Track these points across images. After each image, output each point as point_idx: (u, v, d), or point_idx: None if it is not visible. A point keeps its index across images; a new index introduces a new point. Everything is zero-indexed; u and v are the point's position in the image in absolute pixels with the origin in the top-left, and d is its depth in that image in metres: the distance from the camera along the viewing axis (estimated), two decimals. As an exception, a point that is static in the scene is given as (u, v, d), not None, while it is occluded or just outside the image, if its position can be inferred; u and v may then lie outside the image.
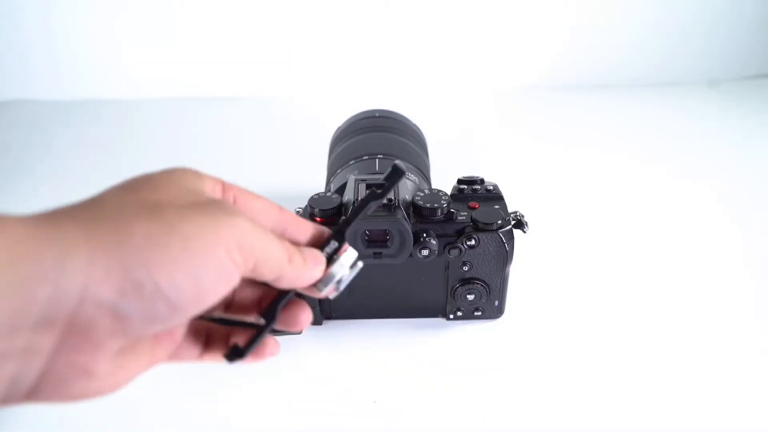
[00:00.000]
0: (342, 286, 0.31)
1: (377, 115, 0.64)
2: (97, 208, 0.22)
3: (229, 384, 0.46)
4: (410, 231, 0.43)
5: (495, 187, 0.50)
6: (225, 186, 0.28)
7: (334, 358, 0.48)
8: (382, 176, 0.46)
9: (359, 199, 0.43)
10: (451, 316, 0.51)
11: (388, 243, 0.44)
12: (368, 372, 0.47)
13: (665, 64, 1.05)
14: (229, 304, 0.30)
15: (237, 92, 0.97)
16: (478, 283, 0.48)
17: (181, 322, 0.24)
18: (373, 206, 0.33)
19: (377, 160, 0.54)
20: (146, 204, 0.23)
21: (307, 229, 0.31)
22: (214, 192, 0.27)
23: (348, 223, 0.33)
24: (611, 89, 1.02)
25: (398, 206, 0.44)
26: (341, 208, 0.46)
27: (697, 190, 0.72)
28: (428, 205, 0.45)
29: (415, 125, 0.66)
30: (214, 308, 0.29)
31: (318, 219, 0.46)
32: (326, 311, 0.51)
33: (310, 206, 0.46)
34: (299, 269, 0.28)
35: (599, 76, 1.04)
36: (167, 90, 0.97)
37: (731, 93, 1.00)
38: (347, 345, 0.49)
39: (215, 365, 0.48)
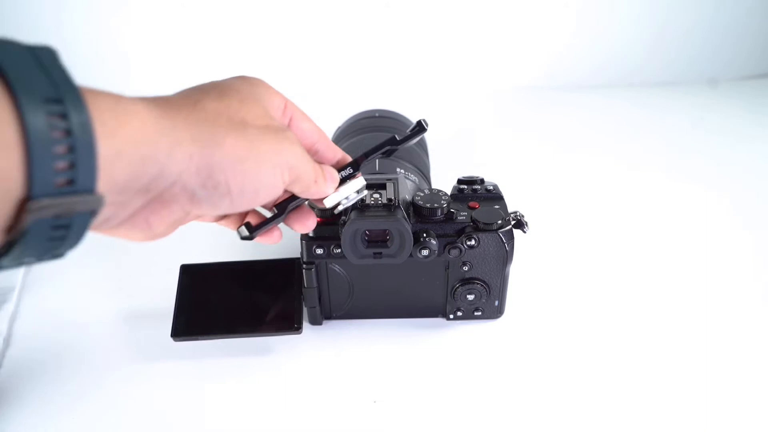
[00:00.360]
0: (347, 204, 0.39)
1: (377, 115, 0.64)
2: (199, 114, 0.28)
3: (229, 383, 0.46)
4: (410, 231, 0.43)
5: (495, 187, 0.50)
6: (287, 106, 0.35)
7: (334, 358, 0.48)
8: (383, 176, 0.46)
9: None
10: (451, 316, 0.51)
11: (388, 243, 0.44)
12: (368, 372, 0.47)
13: (665, 64, 1.05)
14: None
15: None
16: (478, 283, 0.48)
17: (233, 212, 0.32)
18: (389, 149, 0.40)
19: (377, 160, 0.54)
20: (235, 120, 0.29)
21: (336, 154, 0.39)
22: (279, 111, 0.34)
23: (366, 156, 0.39)
24: (611, 89, 1.02)
25: (398, 206, 0.44)
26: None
27: (696, 190, 0.72)
28: (428, 205, 0.45)
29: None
30: None
31: (318, 219, 0.46)
32: (326, 311, 0.51)
33: (310, 206, 0.46)
34: (319, 187, 0.35)
35: (599, 76, 1.04)
36: (167, 90, 0.96)
37: (731, 93, 1.00)
38: (347, 345, 0.49)
39: (215, 365, 0.48)
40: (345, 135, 0.61)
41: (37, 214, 0.21)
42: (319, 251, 0.46)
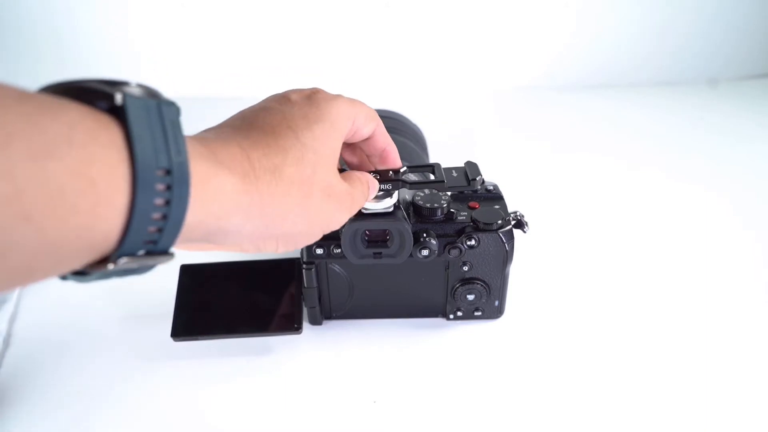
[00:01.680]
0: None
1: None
2: (274, 188, 0.30)
3: (229, 383, 0.46)
4: (410, 231, 0.43)
5: (495, 187, 0.50)
6: (354, 122, 0.37)
7: (334, 358, 0.48)
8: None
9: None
10: (451, 316, 0.51)
11: (388, 243, 0.44)
12: (368, 372, 0.47)
13: (665, 64, 1.05)
14: None
15: (238, 92, 0.97)
16: (478, 283, 0.48)
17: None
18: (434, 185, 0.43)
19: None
20: (303, 189, 0.32)
21: (396, 165, 0.42)
22: (347, 133, 0.37)
23: (404, 184, 0.41)
24: (611, 89, 1.02)
25: (398, 206, 0.44)
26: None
27: (696, 190, 0.72)
28: (428, 205, 0.45)
29: (415, 125, 0.66)
30: None
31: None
32: (326, 311, 0.51)
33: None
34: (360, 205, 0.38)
35: (599, 76, 1.04)
36: (168, 89, 0.97)
37: (731, 93, 1.00)
38: (347, 345, 0.49)
39: (215, 365, 0.48)
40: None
41: (116, 266, 0.23)
42: (319, 251, 0.46)
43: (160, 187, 0.23)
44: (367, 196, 0.38)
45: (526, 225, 0.48)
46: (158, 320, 0.50)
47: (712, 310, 0.53)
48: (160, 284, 0.53)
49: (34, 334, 0.51)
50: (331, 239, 0.45)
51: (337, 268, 0.48)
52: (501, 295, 0.50)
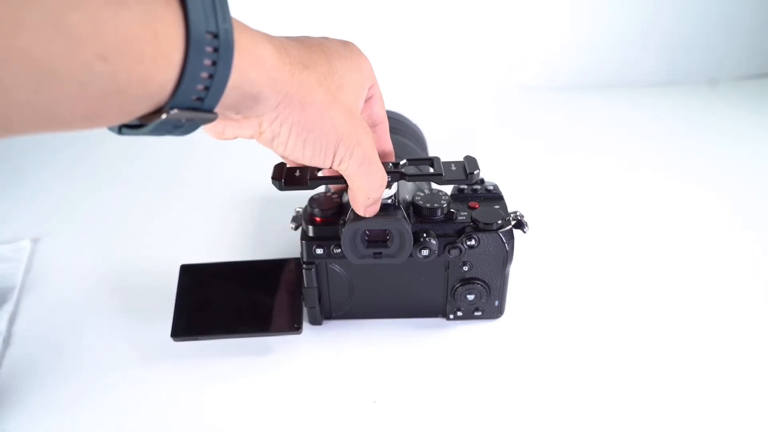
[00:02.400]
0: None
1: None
2: (304, 77, 0.33)
3: (229, 383, 0.46)
4: (410, 231, 0.43)
5: (495, 187, 0.50)
6: (373, 86, 0.41)
7: (334, 358, 0.48)
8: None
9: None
10: (451, 316, 0.51)
11: (388, 243, 0.44)
12: (368, 372, 0.47)
13: (665, 64, 1.05)
14: None
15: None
16: (478, 283, 0.48)
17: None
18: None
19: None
20: (329, 94, 0.35)
21: (387, 146, 0.45)
22: (365, 89, 0.39)
23: (403, 176, 0.42)
24: (611, 89, 1.02)
25: (398, 206, 0.44)
26: (341, 208, 0.46)
27: (696, 190, 0.72)
28: (428, 205, 0.45)
29: (415, 125, 0.66)
30: None
31: (318, 219, 0.46)
32: (326, 311, 0.51)
33: (310, 206, 0.46)
34: (372, 202, 0.41)
35: (599, 76, 1.04)
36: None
37: (731, 93, 1.00)
38: (347, 345, 0.49)
39: (215, 365, 0.48)
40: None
41: (168, 117, 0.27)
42: (319, 251, 0.46)
43: (209, 49, 0.26)
44: (383, 171, 0.40)
45: (526, 225, 0.48)
46: (158, 320, 0.50)
47: (712, 309, 0.53)
48: (160, 284, 0.53)
49: (34, 334, 0.51)
50: (331, 239, 0.45)
51: (337, 268, 0.48)
52: (501, 295, 0.50)
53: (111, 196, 0.73)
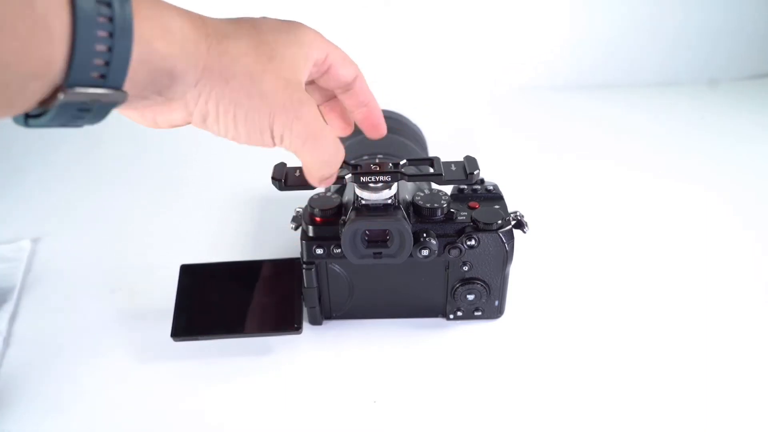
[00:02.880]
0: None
1: (377, 115, 0.64)
2: (224, 47, 0.31)
3: (229, 383, 0.46)
4: (410, 231, 0.43)
5: (495, 187, 0.50)
6: (327, 57, 0.37)
7: (334, 358, 0.48)
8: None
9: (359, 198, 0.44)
10: (451, 316, 0.51)
11: (388, 243, 0.44)
12: (368, 372, 0.47)
13: (665, 64, 1.05)
14: None
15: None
16: (478, 283, 0.48)
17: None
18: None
19: (377, 159, 0.54)
20: (253, 68, 0.32)
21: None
22: (311, 63, 0.36)
23: (403, 176, 0.42)
24: (611, 89, 1.02)
25: (398, 206, 0.44)
26: (341, 208, 0.46)
27: (696, 190, 0.72)
28: (428, 205, 0.45)
29: (415, 125, 0.66)
30: None
31: (318, 219, 0.46)
32: (326, 311, 0.51)
33: (310, 206, 0.46)
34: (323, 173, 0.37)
35: (599, 76, 1.04)
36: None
37: (731, 93, 1.00)
38: (347, 345, 0.49)
39: (215, 365, 0.48)
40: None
41: (69, 98, 0.24)
42: (319, 251, 0.46)
43: (102, 19, 0.24)
44: (335, 144, 0.36)
45: (526, 225, 0.48)
46: (158, 320, 0.50)
47: (712, 309, 0.53)
48: (160, 284, 0.53)
49: (34, 334, 0.51)
50: (331, 239, 0.45)
51: (337, 268, 0.48)
52: (501, 295, 0.50)
53: (111, 196, 0.73)
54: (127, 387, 0.46)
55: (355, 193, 0.44)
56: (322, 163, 0.36)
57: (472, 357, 0.48)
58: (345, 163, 0.42)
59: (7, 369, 0.47)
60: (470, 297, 0.49)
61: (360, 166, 0.42)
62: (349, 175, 0.41)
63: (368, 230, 0.44)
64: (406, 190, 0.48)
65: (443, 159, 0.44)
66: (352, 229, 0.43)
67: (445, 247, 0.46)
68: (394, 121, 0.63)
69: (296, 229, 0.48)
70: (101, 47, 0.24)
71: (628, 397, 0.44)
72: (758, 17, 1.03)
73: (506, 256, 0.47)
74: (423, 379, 0.46)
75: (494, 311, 0.51)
